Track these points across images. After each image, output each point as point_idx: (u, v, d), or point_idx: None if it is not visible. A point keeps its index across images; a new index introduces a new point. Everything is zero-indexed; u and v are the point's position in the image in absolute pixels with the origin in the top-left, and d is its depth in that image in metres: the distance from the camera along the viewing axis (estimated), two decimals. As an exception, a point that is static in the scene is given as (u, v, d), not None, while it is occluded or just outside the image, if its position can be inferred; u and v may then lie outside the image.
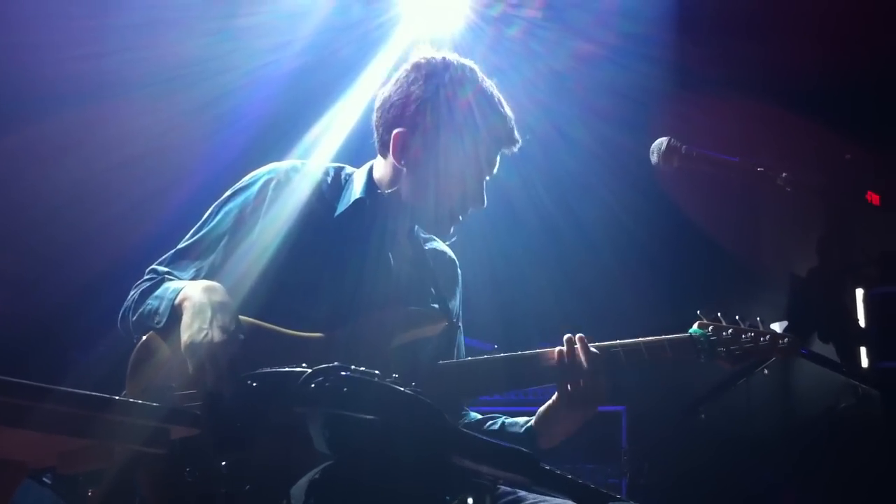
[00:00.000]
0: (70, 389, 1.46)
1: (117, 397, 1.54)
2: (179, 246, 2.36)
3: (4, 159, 3.89)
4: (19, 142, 3.91)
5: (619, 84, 5.00)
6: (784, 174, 2.37)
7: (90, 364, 3.99)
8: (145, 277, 2.30)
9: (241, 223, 2.30)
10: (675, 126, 2.52)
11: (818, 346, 4.03)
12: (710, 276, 4.96)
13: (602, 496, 1.70)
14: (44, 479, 3.33)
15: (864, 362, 3.81)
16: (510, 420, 2.43)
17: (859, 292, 3.84)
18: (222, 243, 2.30)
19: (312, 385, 1.44)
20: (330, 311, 2.24)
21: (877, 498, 3.64)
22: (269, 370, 1.54)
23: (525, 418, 2.41)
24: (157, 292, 2.19)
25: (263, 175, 2.37)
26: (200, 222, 2.38)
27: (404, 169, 2.34)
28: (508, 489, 2.22)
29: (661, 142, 2.43)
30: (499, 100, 2.38)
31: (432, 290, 2.46)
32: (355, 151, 2.73)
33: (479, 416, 2.51)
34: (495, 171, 2.40)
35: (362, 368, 1.47)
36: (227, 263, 2.27)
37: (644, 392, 4.42)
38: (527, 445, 2.26)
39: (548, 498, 2.15)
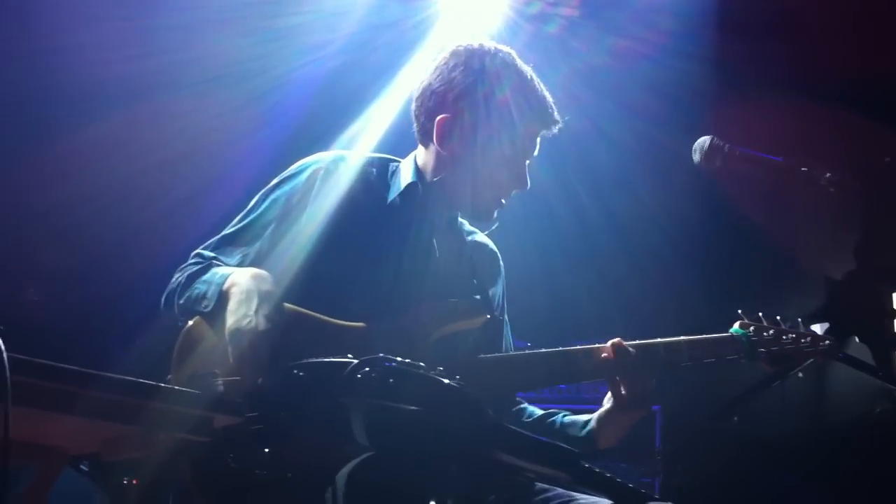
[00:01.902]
0: (117, 376, 1.47)
1: (163, 384, 1.55)
2: (225, 232, 2.37)
3: (55, 159, 3.98)
4: (69, 142, 3.99)
5: (657, 81, 4.97)
6: (828, 175, 2.36)
7: (130, 358, 4.08)
8: (191, 261, 2.32)
9: (289, 211, 2.32)
10: (714, 124, 2.51)
11: (854, 350, 3.99)
12: (746, 277, 4.92)
13: (641, 496, 1.70)
14: (81, 466, 3.40)
15: (901, 367, 3.76)
16: (569, 418, 2.43)
17: (896, 296, 3.80)
18: (269, 231, 2.31)
19: (359, 375, 1.44)
20: (372, 301, 2.26)
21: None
22: (314, 360, 1.53)
23: (585, 417, 2.40)
24: (206, 276, 2.20)
25: (311, 164, 2.39)
26: (247, 209, 2.39)
27: (447, 155, 2.36)
28: (545, 486, 2.23)
29: (704, 141, 2.42)
30: (537, 83, 2.40)
31: (474, 281, 2.47)
32: (392, 148, 2.76)
33: (540, 412, 2.50)
34: (536, 152, 2.42)
35: (408, 360, 1.48)
36: (274, 251, 2.29)
37: (679, 391, 4.41)
38: (585, 446, 2.30)
39: (584, 496, 2.17)
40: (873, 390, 4.01)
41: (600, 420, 2.35)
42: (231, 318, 2.06)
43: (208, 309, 2.16)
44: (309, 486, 1.94)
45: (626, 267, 5.29)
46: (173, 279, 2.30)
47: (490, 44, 2.43)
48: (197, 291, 2.20)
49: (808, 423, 4.36)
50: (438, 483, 1.64)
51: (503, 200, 2.39)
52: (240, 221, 2.38)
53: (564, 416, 2.44)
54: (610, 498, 1.70)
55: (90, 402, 1.43)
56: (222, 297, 2.14)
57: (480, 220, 2.50)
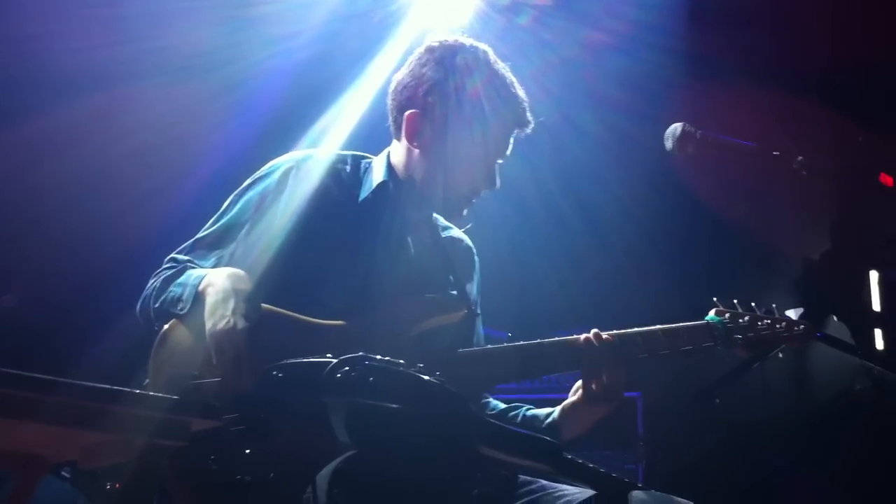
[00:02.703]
0: (78, 382, 1.44)
1: (127, 389, 1.52)
2: (199, 235, 2.34)
3: (17, 149, 3.90)
4: (31, 132, 3.91)
5: (629, 73, 5.00)
6: (800, 158, 2.38)
7: (103, 355, 4.00)
8: (165, 266, 2.28)
9: (262, 212, 2.30)
10: (685, 115, 2.51)
11: (833, 329, 4.01)
12: (723, 264, 4.95)
13: (623, 485, 1.72)
14: (63, 473, 3.33)
15: (880, 344, 3.80)
16: (532, 412, 2.43)
17: (874, 274, 3.83)
18: (242, 232, 2.29)
19: (338, 375, 1.43)
20: (349, 299, 2.24)
21: (892, 481, 3.62)
22: (294, 361, 1.53)
23: (547, 410, 2.40)
24: (181, 279, 2.17)
25: (283, 164, 2.37)
26: (220, 212, 2.36)
27: (417, 151, 2.35)
28: (528, 478, 2.21)
29: (676, 127, 2.43)
30: (511, 82, 2.38)
31: (451, 277, 2.46)
32: (365, 141, 2.73)
33: (503, 405, 2.50)
34: (508, 152, 2.40)
35: (388, 358, 1.47)
36: (249, 252, 2.26)
37: (659, 378, 4.41)
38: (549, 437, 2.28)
39: (567, 487, 2.15)
40: (853, 368, 4.05)
41: (565, 411, 2.35)
42: (209, 321, 2.03)
43: (184, 311, 2.12)
44: (291, 486, 1.92)
45: (601, 257, 5.30)
46: (148, 285, 2.26)
47: (466, 40, 2.42)
48: (172, 294, 2.16)
49: (789, 404, 4.39)
50: (422, 480, 1.64)
51: (472, 199, 2.38)
52: (213, 224, 2.35)
53: (527, 409, 2.44)
54: (593, 488, 1.71)
55: (52, 408, 1.41)
56: (198, 299, 2.10)
57: (450, 217, 2.49)
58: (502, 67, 2.39)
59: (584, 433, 2.36)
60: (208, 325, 2.02)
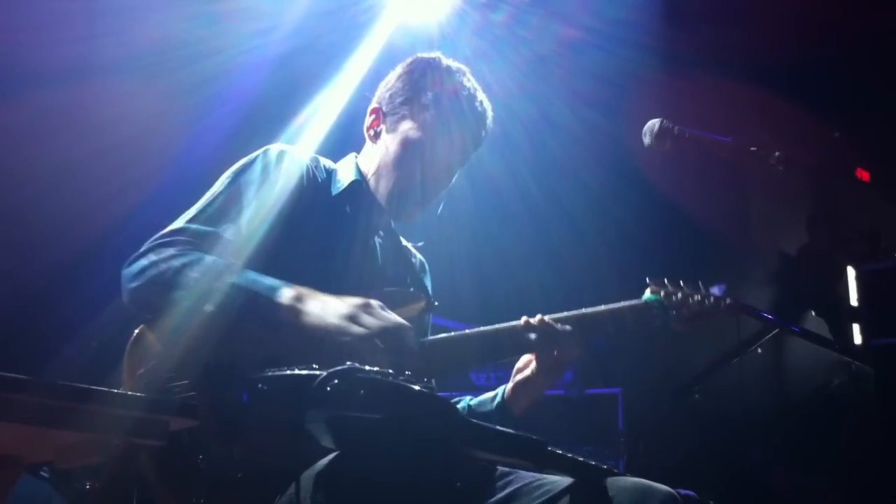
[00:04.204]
0: (48, 381, 1.41)
1: (101, 388, 1.48)
2: (191, 214, 2.22)
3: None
4: (6, 123, 3.81)
5: (604, 69, 5.02)
6: (776, 153, 2.40)
7: (77, 355, 3.93)
8: (181, 245, 2.12)
9: (253, 197, 2.25)
10: (659, 111, 2.53)
11: (811, 324, 4.05)
12: (699, 258, 4.98)
13: (603, 471, 1.80)
14: (41, 472, 3.28)
15: (857, 339, 3.83)
16: (475, 401, 2.48)
17: (850, 269, 3.87)
18: (233, 214, 2.21)
19: (328, 388, 1.42)
20: (324, 290, 2.21)
21: (870, 474, 3.66)
22: (279, 373, 1.51)
23: (490, 394, 2.46)
24: (264, 281, 2.07)
25: (273, 150, 2.34)
26: (213, 194, 2.27)
27: (381, 154, 2.41)
28: (506, 469, 2.22)
29: (654, 123, 2.45)
30: (478, 97, 2.44)
31: (408, 279, 2.53)
32: (341, 137, 2.71)
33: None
34: (463, 165, 2.46)
35: (376, 368, 1.48)
36: (237, 235, 2.20)
37: (639, 374, 4.44)
38: (501, 418, 2.36)
39: (544, 476, 2.16)
40: (831, 363, 4.08)
41: (515, 389, 2.42)
42: (351, 331, 2.01)
43: (271, 319, 2.04)
44: (275, 484, 1.91)
45: (576, 251, 5.33)
46: (157, 259, 2.09)
47: (445, 59, 2.49)
48: (262, 297, 2.05)
49: (768, 398, 4.42)
50: (410, 482, 1.66)
51: (420, 203, 2.43)
52: (206, 205, 2.24)
53: (470, 399, 2.51)
54: (575, 477, 1.76)
55: (22, 407, 1.38)
56: (273, 310, 2.03)
57: (400, 219, 2.53)
58: (472, 85, 2.45)
59: (532, 404, 2.44)
60: (353, 332, 2.00)
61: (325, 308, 2.05)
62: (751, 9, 4.92)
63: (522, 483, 2.17)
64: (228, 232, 2.20)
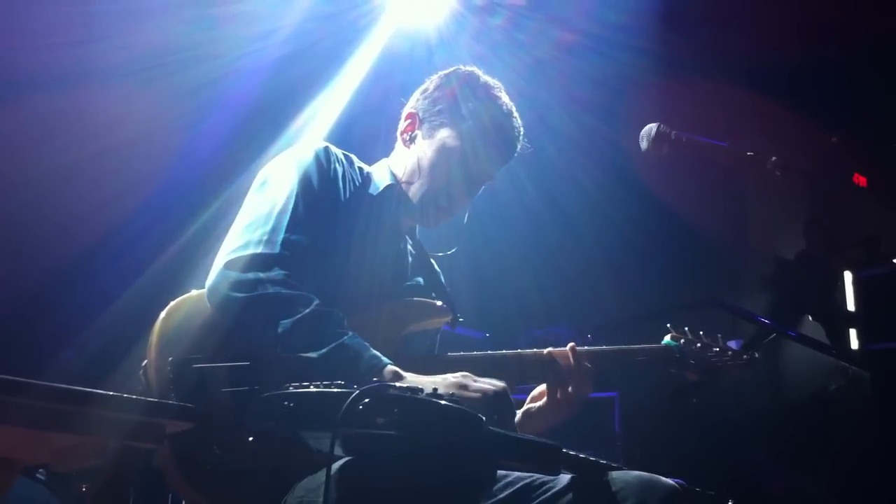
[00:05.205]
0: (45, 384, 1.42)
1: (98, 391, 1.49)
2: (288, 230, 2.15)
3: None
4: (4, 128, 3.81)
5: (602, 73, 5.03)
6: (773, 158, 2.40)
7: (74, 358, 3.93)
8: (309, 304, 2.06)
9: (311, 203, 2.22)
10: (657, 115, 2.53)
11: (808, 329, 4.05)
12: (696, 263, 4.99)
13: (603, 467, 1.90)
14: (37, 475, 3.27)
15: (854, 344, 3.84)
16: None
17: (847, 274, 3.87)
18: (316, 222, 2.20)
19: (360, 407, 1.45)
20: (350, 293, 2.23)
21: (867, 478, 3.66)
22: (306, 390, 1.50)
23: None
24: (357, 347, 2.01)
25: (320, 150, 2.32)
26: (291, 200, 2.19)
27: (412, 161, 2.41)
28: (503, 472, 2.22)
29: (651, 128, 2.44)
30: (513, 117, 2.44)
31: (433, 294, 2.52)
32: (339, 140, 2.69)
33: None
34: (492, 178, 2.46)
35: (406, 385, 1.50)
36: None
37: (636, 378, 4.44)
38: None
39: (543, 476, 2.16)
40: (828, 368, 4.09)
41: (528, 415, 2.43)
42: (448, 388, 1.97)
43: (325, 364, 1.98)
44: (290, 478, 1.92)
45: (574, 256, 5.33)
46: (271, 278, 2.05)
47: (484, 76, 2.51)
48: (365, 363, 2.00)
49: (765, 403, 4.42)
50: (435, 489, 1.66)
51: (444, 211, 2.43)
52: (294, 212, 2.17)
53: None
54: (576, 472, 1.83)
55: (20, 410, 1.39)
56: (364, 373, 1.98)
57: (424, 224, 2.53)
58: (509, 104, 2.46)
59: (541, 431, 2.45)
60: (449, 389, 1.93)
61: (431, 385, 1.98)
62: (749, 13, 4.92)
63: (522, 483, 2.17)
64: (315, 239, 2.18)
